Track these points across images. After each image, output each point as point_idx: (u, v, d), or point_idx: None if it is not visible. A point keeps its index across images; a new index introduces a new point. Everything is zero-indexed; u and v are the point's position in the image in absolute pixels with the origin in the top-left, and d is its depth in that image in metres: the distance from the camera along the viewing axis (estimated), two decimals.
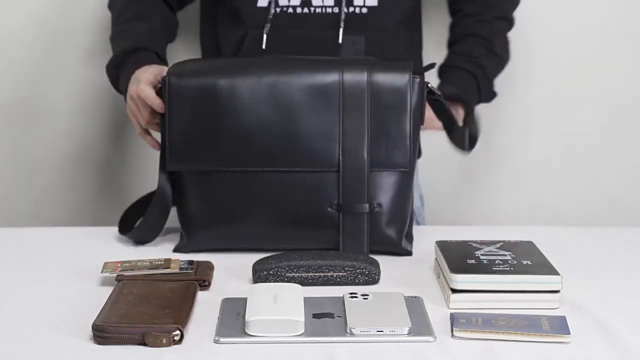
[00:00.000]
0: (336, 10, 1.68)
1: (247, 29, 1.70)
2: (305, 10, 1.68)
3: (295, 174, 1.47)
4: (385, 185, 1.48)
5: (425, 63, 1.73)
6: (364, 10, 1.68)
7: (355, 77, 1.46)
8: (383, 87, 1.46)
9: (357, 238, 1.48)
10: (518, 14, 1.89)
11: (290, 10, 1.68)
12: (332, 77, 1.46)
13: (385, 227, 1.48)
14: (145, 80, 1.55)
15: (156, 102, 1.51)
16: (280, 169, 1.47)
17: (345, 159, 1.46)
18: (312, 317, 1.20)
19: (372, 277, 1.35)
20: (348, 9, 1.68)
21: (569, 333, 1.16)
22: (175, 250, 1.52)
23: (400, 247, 1.50)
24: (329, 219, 1.47)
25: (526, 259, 1.32)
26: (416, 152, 1.51)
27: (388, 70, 1.47)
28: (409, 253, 1.51)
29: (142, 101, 1.54)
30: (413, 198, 1.52)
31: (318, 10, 1.68)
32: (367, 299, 1.24)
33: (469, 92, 1.73)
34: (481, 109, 1.95)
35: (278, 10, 1.68)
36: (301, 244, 1.46)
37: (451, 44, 1.80)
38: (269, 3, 1.68)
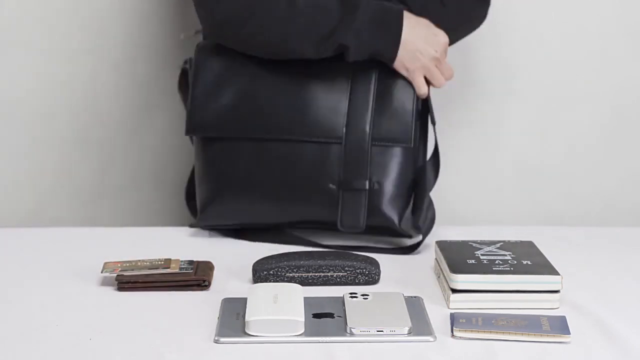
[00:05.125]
0: None
1: None
2: None
3: (299, 146, 1.52)
4: (386, 164, 1.52)
5: None
6: None
7: (365, 67, 1.53)
8: (389, 72, 1.53)
9: (355, 214, 1.52)
10: (519, 13, 1.89)
11: None
12: (343, 65, 1.52)
13: (384, 207, 1.52)
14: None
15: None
16: (285, 137, 1.52)
17: (349, 132, 1.51)
18: (312, 317, 1.20)
19: (372, 277, 1.35)
20: None
21: (569, 333, 1.16)
22: (191, 225, 1.59)
23: (398, 227, 1.53)
24: (329, 195, 1.52)
25: (526, 259, 1.32)
26: (417, 130, 1.57)
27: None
28: (409, 235, 1.54)
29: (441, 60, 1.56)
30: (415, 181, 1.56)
31: None
32: (367, 299, 1.24)
33: None
34: (481, 108, 1.95)
35: None
36: (301, 216, 1.54)
37: None
38: None
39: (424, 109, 1.58)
